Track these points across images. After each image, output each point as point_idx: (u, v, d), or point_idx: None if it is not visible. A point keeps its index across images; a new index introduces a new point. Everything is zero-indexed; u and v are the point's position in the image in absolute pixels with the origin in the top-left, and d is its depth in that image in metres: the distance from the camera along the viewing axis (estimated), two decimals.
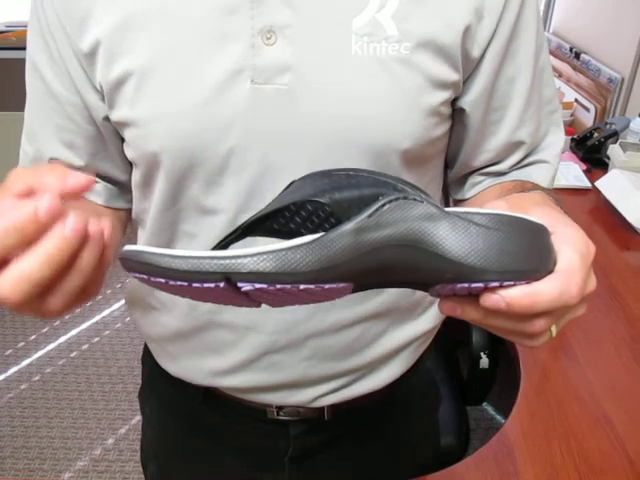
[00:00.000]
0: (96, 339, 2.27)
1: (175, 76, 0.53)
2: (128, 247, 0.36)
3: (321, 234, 0.35)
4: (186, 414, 0.77)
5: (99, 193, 0.66)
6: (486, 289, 0.36)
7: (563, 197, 1.55)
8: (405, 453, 0.80)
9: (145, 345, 0.80)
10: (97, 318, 2.38)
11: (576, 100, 2.03)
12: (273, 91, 0.53)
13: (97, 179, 0.65)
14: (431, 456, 0.86)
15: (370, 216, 0.35)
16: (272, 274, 0.33)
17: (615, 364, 1.00)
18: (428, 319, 0.71)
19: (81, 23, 0.55)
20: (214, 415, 0.74)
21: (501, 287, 0.36)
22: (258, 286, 0.34)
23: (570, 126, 1.99)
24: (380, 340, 0.67)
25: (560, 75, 2.19)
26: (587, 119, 1.96)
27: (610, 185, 1.48)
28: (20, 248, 0.36)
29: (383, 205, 0.36)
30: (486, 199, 0.64)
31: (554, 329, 0.40)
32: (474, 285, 0.36)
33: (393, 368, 0.71)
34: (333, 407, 0.70)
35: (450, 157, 0.67)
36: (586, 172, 1.66)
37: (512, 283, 0.36)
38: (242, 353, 0.65)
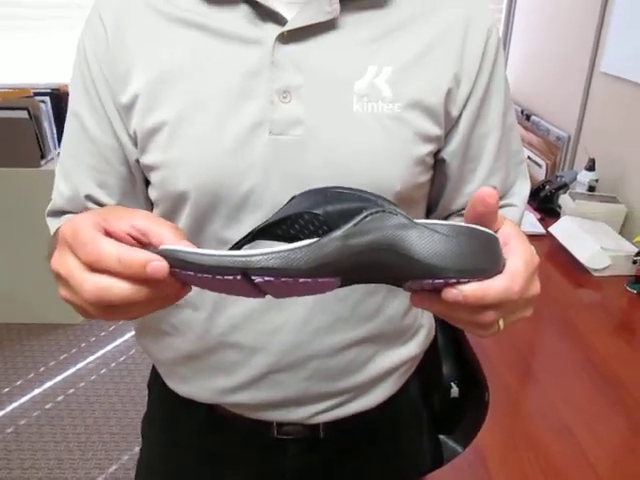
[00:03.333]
0: (71, 390, 2.28)
1: (204, 126, 0.62)
2: (164, 246, 0.45)
3: (316, 239, 0.44)
4: (191, 433, 0.81)
5: None
6: (446, 284, 0.44)
7: None
8: (392, 473, 0.86)
9: (152, 370, 0.85)
10: (72, 370, 2.38)
11: (529, 157, 2.21)
12: (288, 141, 0.62)
13: None
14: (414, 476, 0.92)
15: (355, 225, 0.44)
16: (279, 269, 0.42)
17: (573, 382, 1.10)
18: (414, 346, 0.79)
19: (122, 78, 0.64)
20: (217, 434, 0.79)
21: (459, 283, 0.44)
22: (267, 279, 0.42)
23: None
24: (371, 363, 0.75)
25: None
26: (539, 174, 2.13)
27: (562, 230, 1.62)
28: (116, 271, 0.44)
29: (366, 216, 0.44)
30: None
31: (502, 323, 0.49)
32: (437, 281, 0.44)
33: (382, 390, 0.78)
34: (328, 425, 0.76)
35: (432, 201, 0.77)
36: (540, 220, 1.80)
37: (467, 280, 0.44)
38: (249, 372, 0.71)
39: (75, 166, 0.70)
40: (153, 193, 0.69)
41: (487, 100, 0.69)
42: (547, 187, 1.89)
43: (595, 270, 1.49)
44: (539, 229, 1.73)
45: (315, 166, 0.63)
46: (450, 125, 0.68)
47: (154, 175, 0.66)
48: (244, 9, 0.62)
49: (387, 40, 0.64)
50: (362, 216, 0.44)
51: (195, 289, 0.69)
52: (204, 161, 0.62)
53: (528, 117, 2.34)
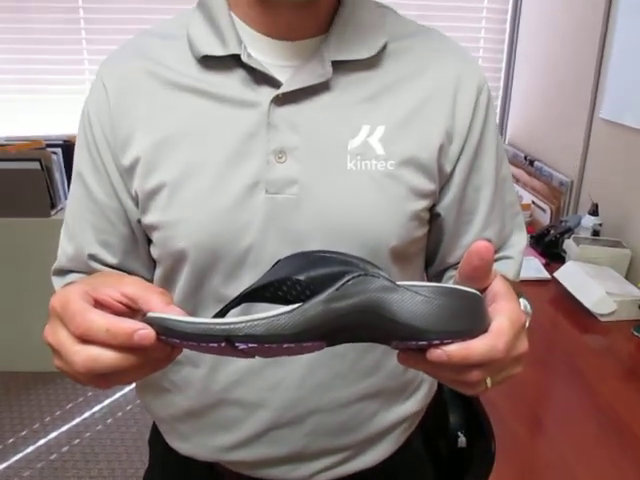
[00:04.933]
0: (77, 440, 2.25)
1: (202, 187, 0.63)
2: (151, 314, 0.46)
3: (299, 304, 0.45)
4: None
5: None
6: (430, 345, 0.45)
7: (526, 288, 1.68)
8: None
9: (153, 427, 0.85)
10: (78, 420, 2.36)
11: (533, 202, 2.22)
12: (283, 200, 0.63)
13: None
14: None
15: (338, 289, 0.45)
16: (262, 336, 0.43)
17: (581, 431, 1.08)
18: (414, 402, 0.79)
19: (124, 142, 0.66)
20: None
21: (442, 344, 0.44)
22: (251, 345, 0.44)
23: (530, 225, 2.16)
24: (373, 419, 0.74)
25: (517, 180, 2.39)
26: (544, 218, 2.14)
27: (567, 275, 1.62)
28: (105, 342, 0.45)
29: (348, 280, 0.45)
30: None
31: (489, 381, 0.49)
32: (420, 342, 0.45)
33: (384, 447, 0.77)
34: None
35: (430, 255, 0.77)
36: (545, 265, 1.80)
37: (450, 341, 0.45)
38: (249, 429, 0.71)
39: (79, 226, 0.72)
40: (155, 251, 0.70)
41: (480, 155, 0.70)
42: (552, 232, 1.90)
43: (601, 315, 1.48)
44: (544, 274, 1.73)
45: (310, 223, 0.64)
46: (444, 180, 0.69)
47: (155, 234, 0.67)
48: (240, 74, 0.64)
49: (379, 100, 0.65)
50: (344, 280, 0.46)
51: None
52: (202, 220, 0.64)
53: (531, 163, 2.36)
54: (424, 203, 0.67)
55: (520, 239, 0.78)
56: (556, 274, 1.66)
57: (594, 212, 1.79)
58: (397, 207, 0.65)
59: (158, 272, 0.71)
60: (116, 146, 0.67)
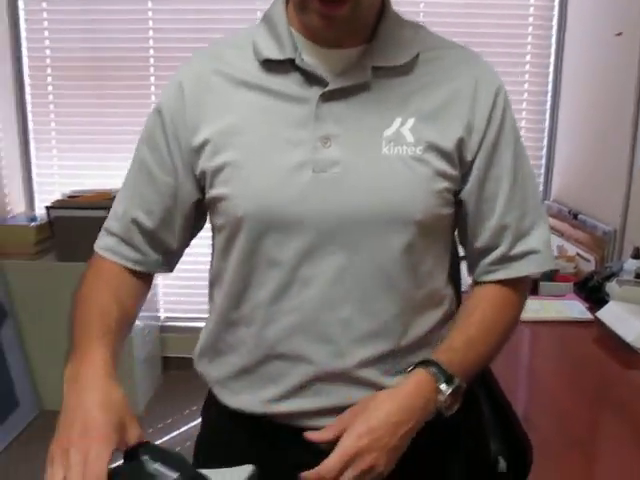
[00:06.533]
0: None
1: (260, 166, 0.77)
2: None
3: None
4: (238, 447, 0.86)
5: (149, 264, 0.87)
6: None
7: (570, 329, 1.72)
8: None
9: (207, 395, 0.93)
10: None
11: (577, 254, 2.25)
12: (327, 177, 0.76)
13: (154, 252, 0.87)
14: None
15: None
16: None
17: (623, 462, 1.07)
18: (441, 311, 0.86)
19: (195, 128, 0.80)
20: (262, 446, 0.84)
21: None
22: None
23: (574, 276, 2.18)
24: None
25: (562, 234, 2.43)
26: (589, 269, 2.16)
27: (609, 314, 1.64)
28: None
29: None
30: (465, 307, 0.87)
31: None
32: None
33: None
34: None
35: (462, 242, 0.88)
36: (589, 309, 1.82)
37: None
38: (294, 381, 0.80)
39: (131, 194, 0.86)
40: (218, 220, 0.82)
41: (498, 148, 0.81)
42: (595, 277, 1.92)
43: None
44: (587, 316, 1.76)
45: (349, 197, 0.75)
46: (465, 168, 0.80)
47: (219, 205, 0.80)
48: (295, 75, 0.78)
49: (410, 99, 0.78)
50: None
51: (248, 306, 0.80)
52: (258, 193, 0.76)
53: (575, 216, 2.41)
54: (446, 184, 0.78)
55: (544, 231, 0.86)
56: (598, 314, 1.68)
57: (636, 255, 1.81)
58: (423, 185, 0.76)
59: (219, 239, 0.84)
60: (186, 131, 0.81)
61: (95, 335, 0.76)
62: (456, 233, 0.90)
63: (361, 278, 0.76)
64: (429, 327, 0.83)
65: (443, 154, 0.77)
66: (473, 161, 0.80)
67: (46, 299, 2.60)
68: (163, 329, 3.11)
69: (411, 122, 0.76)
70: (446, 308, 0.87)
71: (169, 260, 0.90)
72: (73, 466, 0.63)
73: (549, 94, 2.80)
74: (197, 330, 0.92)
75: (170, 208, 0.84)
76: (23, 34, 2.92)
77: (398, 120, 0.76)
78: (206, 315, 0.91)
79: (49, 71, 2.96)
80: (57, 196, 2.82)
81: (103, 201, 2.54)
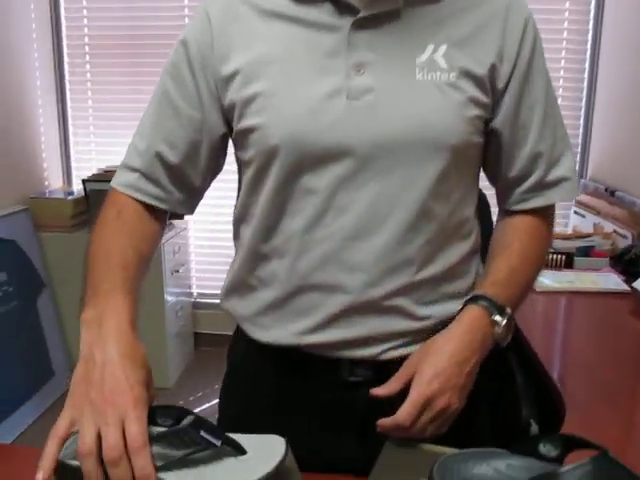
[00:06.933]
0: None
1: (293, 94, 0.76)
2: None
3: None
4: (267, 381, 0.87)
5: (170, 202, 0.85)
6: None
7: (607, 300, 1.69)
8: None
9: (234, 336, 0.92)
10: None
11: (614, 231, 2.21)
12: (362, 104, 0.75)
13: (176, 189, 0.85)
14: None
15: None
16: None
17: None
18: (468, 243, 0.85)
19: (223, 58, 0.79)
20: (293, 378, 0.85)
21: None
22: None
23: (611, 252, 2.15)
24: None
25: (599, 212, 2.39)
26: (625, 245, 2.12)
27: None
28: None
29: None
30: (502, 237, 0.86)
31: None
32: None
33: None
34: (396, 366, 0.78)
35: (493, 171, 0.87)
36: (625, 282, 1.79)
37: None
38: (327, 312, 0.79)
39: (154, 128, 0.84)
40: (249, 153, 0.81)
41: (530, 77, 0.80)
42: (632, 251, 1.89)
43: None
44: (624, 287, 1.73)
45: (384, 123, 0.75)
46: (498, 95, 0.80)
47: (251, 136, 0.79)
48: (326, 5, 0.77)
49: (442, 25, 0.77)
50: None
51: (281, 237, 0.80)
52: (292, 121, 0.76)
53: (612, 193, 2.36)
54: (478, 112, 0.78)
55: (572, 158, 0.86)
56: (635, 284, 1.65)
57: None
58: (457, 111, 0.76)
59: (249, 173, 0.83)
60: (215, 61, 0.80)
61: (117, 282, 0.73)
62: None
63: (395, 205, 0.76)
64: (457, 258, 0.83)
65: (476, 80, 0.77)
66: (505, 89, 0.79)
67: (82, 271, 2.66)
68: (195, 305, 3.15)
69: (444, 48, 0.76)
70: (474, 241, 0.86)
71: (190, 199, 0.88)
72: (111, 426, 0.59)
73: (586, 71, 2.75)
74: None
75: (195, 142, 0.83)
76: (63, 13, 2.98)
77: (430, 47, 0.76)
78: None
79: (87, 49, 3.02)
80: (94, 172, 2.88)
81: None
